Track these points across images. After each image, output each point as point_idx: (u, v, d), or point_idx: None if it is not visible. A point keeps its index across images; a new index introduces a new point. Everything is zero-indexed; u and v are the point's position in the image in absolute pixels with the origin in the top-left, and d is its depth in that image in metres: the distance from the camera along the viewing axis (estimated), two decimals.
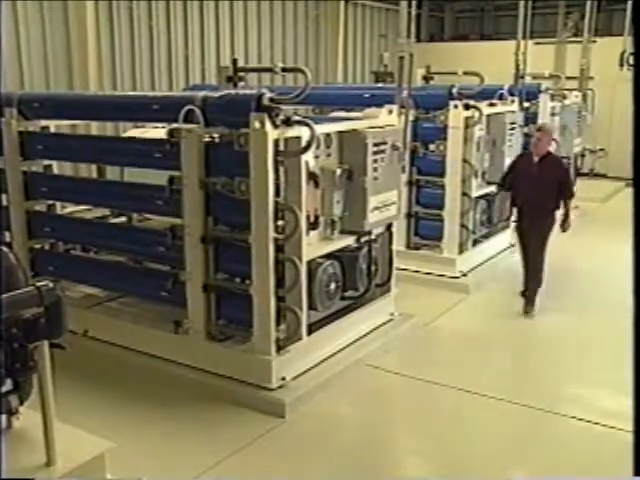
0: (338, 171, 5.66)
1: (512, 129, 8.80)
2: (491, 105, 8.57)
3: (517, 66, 9.98)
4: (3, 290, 3.60)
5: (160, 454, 4.66)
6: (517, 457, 4.76)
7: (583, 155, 13.16)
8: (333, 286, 5.72)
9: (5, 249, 4.05)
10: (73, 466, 3.92)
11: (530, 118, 10.64)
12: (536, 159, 7.22)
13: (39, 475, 3.81)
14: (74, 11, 10.53)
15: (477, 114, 8.05)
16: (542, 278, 7.47)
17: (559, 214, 7.33)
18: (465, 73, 9.38)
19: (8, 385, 4.07)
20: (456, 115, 8.01)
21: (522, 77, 10.07)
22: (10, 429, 4.16)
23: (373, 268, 6.24)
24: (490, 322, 7.34)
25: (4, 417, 4.14)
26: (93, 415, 4.89)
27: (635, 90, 2.88)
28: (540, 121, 10.87)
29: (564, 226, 7.37)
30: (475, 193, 8.39)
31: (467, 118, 8.06)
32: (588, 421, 5.11)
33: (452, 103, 8.02)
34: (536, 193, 7.16)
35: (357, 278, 6.02)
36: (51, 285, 3.59)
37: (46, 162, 6.66)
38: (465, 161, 8.16)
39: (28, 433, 4.12)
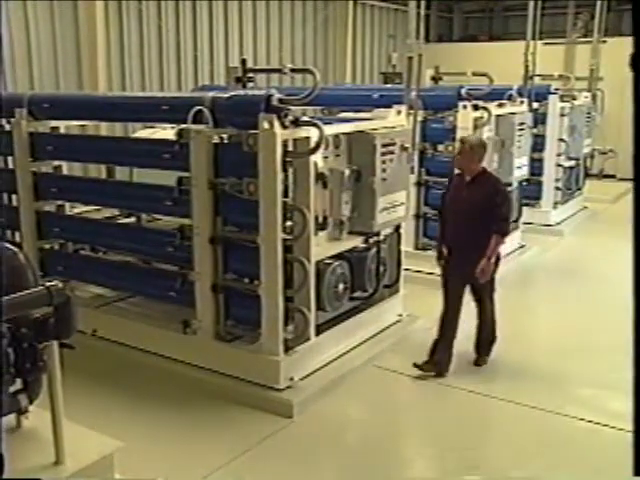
0: (347, 172, 5.66)
1: (521, 130, 8.78)
2: (500, 106, 8.56)
3: (526, 67, 9.95)
4: (13, 290, 3.62)
5: (168, 454, 4.66)
6: (525, 458, 4.73)
7: (592, 156, 13.11)
8: (341, 287, 5.72)
9: (15, 249, 4.08)
10: (82, 465, 3.93)
11: (539, 119, 10.63)
12: (468, 179, 5.74)
13: (48, 474, 3.83)
14: (84, 12, 10.57)
15: (486, 115, 8.03)
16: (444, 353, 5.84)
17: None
18: (474, 74, 9.38)
19: (18, 384, 4.10)
20: (465, 116, 7.99)
21: (531, 78, 10.05)
22: (19, 428, 4.19)
23: (381, 269, 6.23)
24: (498, 323, 7.29)
25: (13, 416, 4.17)
26: (101, 415, 4.90)
27: (635, 90, 2.86)
28: (550, 120, 10.88)
29: (482, 270, 5.55)
30: None
31: (476, 119, 8.04)
32: (597, 423, 5.08)
33: (461, 104, 8.01)
34: (461, 224, 5.67)
35: (365, 279, 6.02)
36: (61, 285, 3.61)
37: (56, 163, 6.70)
38: None
39: (37, 432, 4.14)
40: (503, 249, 8.97)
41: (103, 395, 5.44)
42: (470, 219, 5.59)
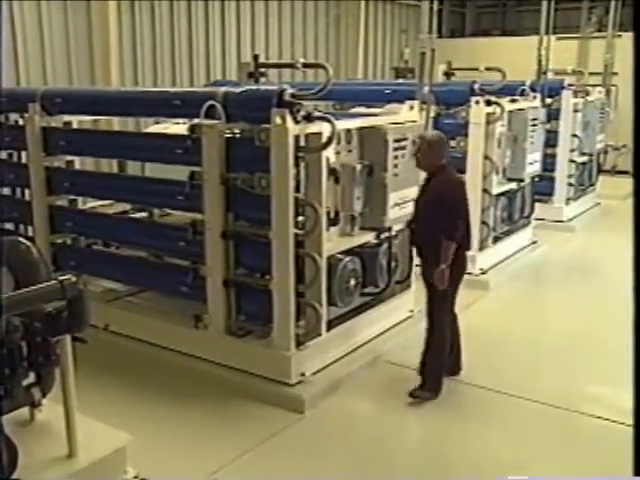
0: (358, 167, 5.64)
1: (534, 125, 8.72)
2: (513, 101, 8.50)
3: (539, 62, 9.88)
4: (26, 284, 3.65)
5: (179, 448, 4.68)
6: (538, 455, 4.71)
7: (606, 152, 13.03)
8: (353, 282, 5.72)
9: (29, 243, 4.10)
10: (94, 459, 3.97)
11: (552, 114, 10.56)
12: (426, 177, 5.44)
13: (61, 467, 3.86)
14: (97, 8, 10.59)
15: (498, 110, 7.99)
16: (434, 380, 5.40)
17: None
18: (487, 69, 9.32)
19: (31, 378, 4.12)
20: (477, 111, 7.95)
21: (544, 73, 9.97)
22: (33, 421, 4.22)
23: (393, 264, 6.22)
24: (510, 320, 7.29)
25: (27, 409, 4.20)
26: (113, 408, 4.92)
27: (635, 90, 2.85)
28: (563, 116, 10.82)
29: (436, 278, 5.13)
30: (496, 190, 8.33)
31: (488, 114, 7.99)
32: (614, 421, 5.06)
33: (473, 99, 7.97)
34: (420, 224, 5.47)
35: (377, 274, 6.01)
36: (74, 279, 3.62)
37: (68, 157, 6.72)
38: (486, 157, 8.09)
39: (50, 425, 4.18)
40: (515, 246, 9.17)
41: (115, 389, 5.46)
42: (425, 219, 5.34)
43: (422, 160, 5.34)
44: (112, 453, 4.07)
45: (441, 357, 5.43)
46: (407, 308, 6.72)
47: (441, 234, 5.09)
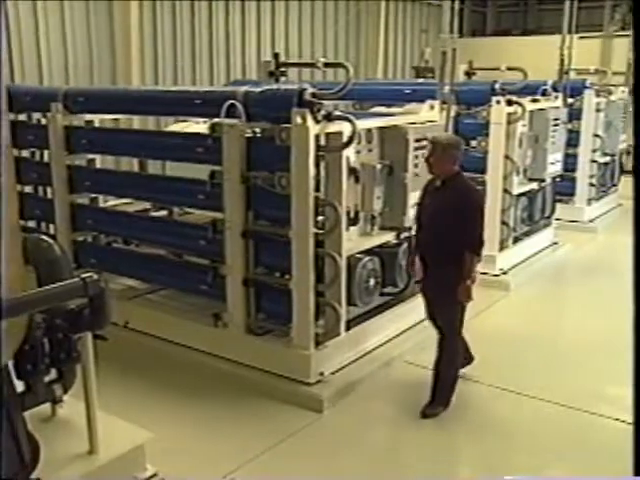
0: (378, 166, 5.64)
1: (555, 125, 8.66)
2: (534, 101, 8.45)
3: (562, 61, 9.81)
4: (49, 282, 3.67)
5: (197, 447, 4.70)
6: (555, 457, 4.68)
7: (628, 152, 12.88)
8: (372, 282, 5.71)
9: (51, 241, 4.14)
10: (114, 455, 3.98)
11: (574, 114, 10.47)
12: (438, 183, 5.06)
13: (81, 463, 3.88)
14: (119, 7, 10.67)
15: (520, 110, 7.93)
16: (447, 391, 5.19)
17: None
18: (508, 68, 9.27)
19: (52, 374, 4.16)
20: (498, 111, 7.91)
21: (567, 72, 9.90)
22: (54, 417, 4.25)
23: None
24: (530, 321, 7.24)
25: (49, 405, 4.23)
26: (132, 405, 4.94)
27: (635, 90, 2.82)
28: (585, 115, 10.73)
29: (461, 294, 4.92)
30: (516, 190, 8.28)
31: (509, 114, 7.94)
32: (630, 423, 4.99)
33: (494, 99, 7.93)
34: (430, 233, 5.08)
35: (396, 274, 5.99)
36: (95, 277, 3.64)
37: (90, 156, 6.77)
38: (507, 157, 8.04)
39: (71, 421, 4.20)
40: (536, 246, 9.10)
41: (134, 386, 5.49)
42: (437, 227, 4.96)
43: (435, 165, 4.97)
44: (132, 450, 4.09)
45: (455, 365, 5.24)
46: None
47: (465, 247, 4.83)
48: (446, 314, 5.13)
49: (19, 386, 3.97)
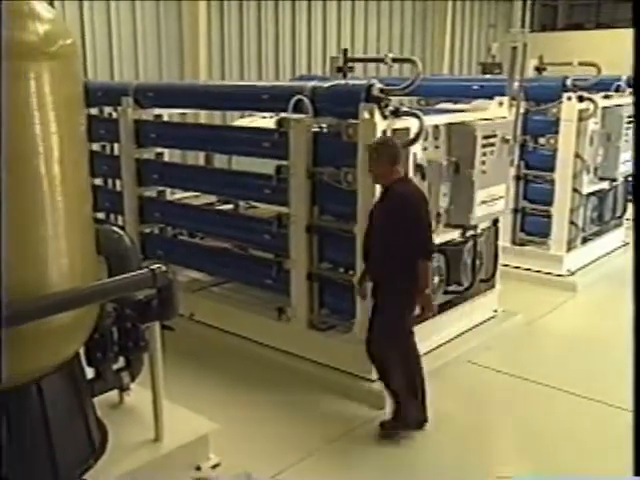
0: (444, 163, 5.57)
1: (629, 123, 8.37)
2: (607, 97, 8.19)
3: None
4: (118, 272, 3.76)
5: (258, 438, 4.73)
6: (611, 459, 4.53)
7: None
8: (437, 280, 5.65)
9: (121, 232, 4.24)
10: (179, 444, 4.07)
11: None
12: (381, 190, 4.67)
13: (147, 450, 3.97)
14: (187, 6, 10.86)
15: (592, 107, 7.71)
16: (399, 407, 4.77)
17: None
18: (580, 64, 9.00)
19: (120, 362, 4.27)
20: (569, 108, 7.70)
21: None
22: (121, 404, 4.36)
23: (477, 263, 6.10)
24: (597, 323, 7.05)
25: (116, 392, 4.34)
26: (196, 396, 5.01)
27: (635, 90, 2.69)
28: None
29: (424, 305, 4.56)
30: (586, 189, 8.06)
31: (581, 111, 7.73)
32: None
33: (565, 95, 7.72)
34: (377, 245, 4.63)
35: (461, 272, 5.91)
36: (164, 268, 3.71)
37: (158, 150, 6.90)
38: (577, 156, 7.84)
39: (137, 409, 4.31)
40: (606, 247, 8.82)
41: (198, 377, 5.57)
42: (381, 239, 4.57)
43: (375, 170, 4.55)
44: (196, 439, 4.17)
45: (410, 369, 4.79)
46: (491, 307, 6.58)
47: (416, 256, 4.42)
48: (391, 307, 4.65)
49: (89, 373, 4.09)
